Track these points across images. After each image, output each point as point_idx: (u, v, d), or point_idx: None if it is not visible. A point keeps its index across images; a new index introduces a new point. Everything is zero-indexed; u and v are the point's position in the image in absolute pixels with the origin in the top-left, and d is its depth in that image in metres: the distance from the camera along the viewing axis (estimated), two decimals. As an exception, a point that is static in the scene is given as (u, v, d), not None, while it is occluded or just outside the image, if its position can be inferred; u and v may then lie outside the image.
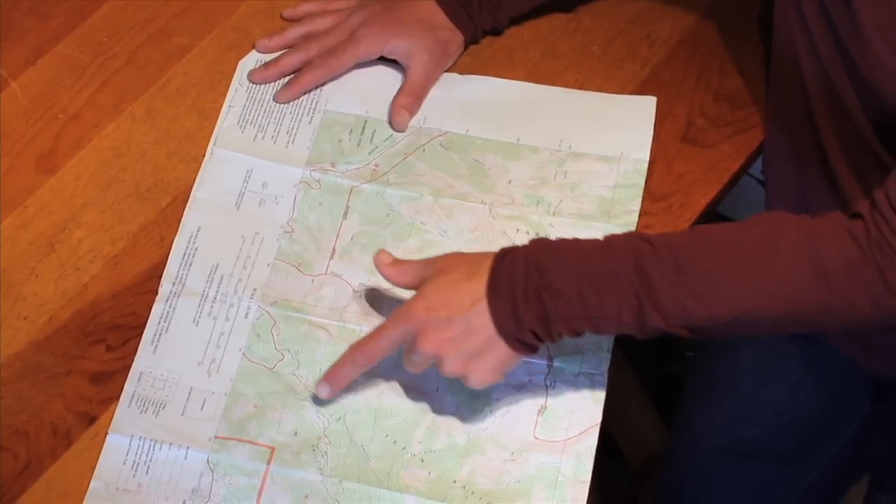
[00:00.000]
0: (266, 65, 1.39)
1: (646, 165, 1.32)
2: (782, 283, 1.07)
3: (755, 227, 1.10)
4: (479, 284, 1.11)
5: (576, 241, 1.13)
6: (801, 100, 1.21)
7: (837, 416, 1.51)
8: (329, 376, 1.19)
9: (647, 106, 1.36)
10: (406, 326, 1.14)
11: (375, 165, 1.32)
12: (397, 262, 1.18)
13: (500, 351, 1.12)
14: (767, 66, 1.34)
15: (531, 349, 1.13)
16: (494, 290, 1.11)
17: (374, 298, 1.25)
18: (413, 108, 1.35)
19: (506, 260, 1.11)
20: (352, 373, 1.18)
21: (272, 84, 1.38)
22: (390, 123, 1.35)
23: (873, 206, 1.06)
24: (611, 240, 1.11)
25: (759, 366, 1.49)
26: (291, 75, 1.38)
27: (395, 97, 1.36)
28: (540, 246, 1.12)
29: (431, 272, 1.14)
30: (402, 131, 1.35)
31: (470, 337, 1.12)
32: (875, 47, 1.08)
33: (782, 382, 1.48)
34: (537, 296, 1.09)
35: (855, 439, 1.51)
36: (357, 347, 1.17)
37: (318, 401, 1.20)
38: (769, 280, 1.07)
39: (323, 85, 1.38)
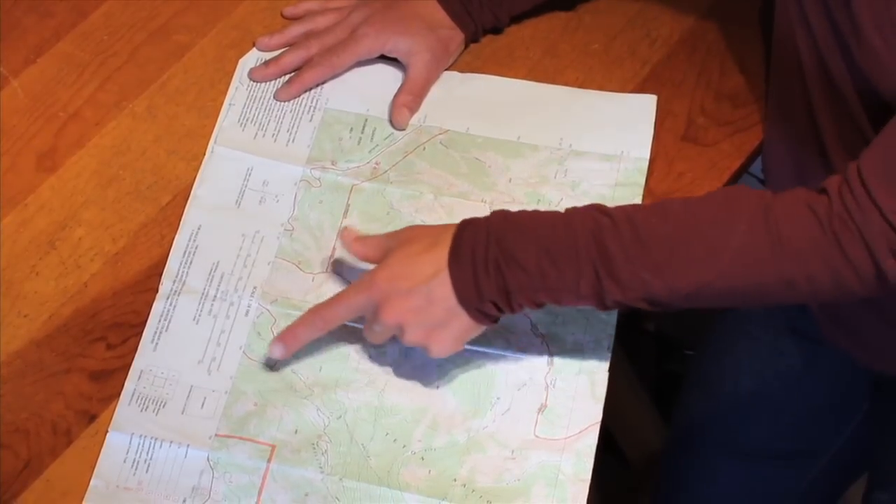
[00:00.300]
0: (266, 63, 1.39)
1: (646, 164, 1.32)
2: (738, 257, 1.07)
3: (714, 200, 1.10)
4: (441, 254, 1.12)
5: (536, 212, 1.13)
6: (801, 95, 1.21)
7: (837, 415, 1.51)
8: (284, 336, 1.19)
9: (647, 104, 1.36)
10: (368, 295, 1.14)
11: (376, 164, 1.32)
12: (362, 238, 1.19)
13: (462, 321, 1.13)
14: (768, 64, 1.34)
15: (492, 320, 1.14)
16: (456, 261, 1.11)
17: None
18: (413, 107, 1.35)
19: (467, 230, 1.12)
20: (307, 335, 1.19)
21: (273, 82, 1.38)
22: (391, 122, 1.35)
23: (843, 179, 1.06)
24: (570, 212, 1.12)
25: (758, 365, 1.49)
26: (292, 73, 1.38)
27: (396, 95, 1.36)
28: (501, 217, 1.13)
29: (395, 244, 1.15)
30: (403, 129, 1.35)
31: (431, 307, 1.12)
32: (873, 44, 1.08)
33: (782, 381, 1.48)
34: (497, 267, 1.10)
35: (854, 438, 1.51)
36: (317, 310, 1.18)
37: (318, 399, 1.20)
38: (725, 253, 1.07)
39: (323, 83, 1.38)
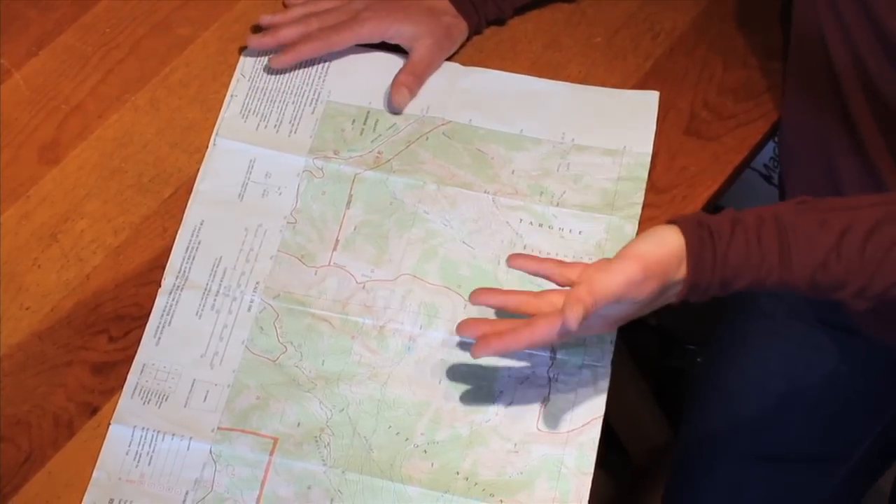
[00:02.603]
0: (264, 32, 1.38)
1: (648, 159, 1.32)
2: None
3: None
4: None
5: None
6: (828, 85, 1.21)
7: (870, 410, 1.47)
8: None
9: (649, 100, 1.36)
10: None
11: (378, 153, 1.32)
12: None
13: None
14: (784, 56, 1.33)
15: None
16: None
17: (377, 290, 1.25)
18: (413, 88, 1.35)
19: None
20: None
21: (275, 77, 1.38)
22: (389, 101, 1.35)
23: None
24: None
25: (786, 363, 1.46)
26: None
27: (397, 75, 1.36)
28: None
29: None
30: (400, 111, 1.34)
31: None
32: None
33: (813, 379, 1.44)
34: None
35: (883, 433, 1.48)
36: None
37: (320, 392, 1.20)
38: None
39: (322, 61, 1.38)
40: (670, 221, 1.11)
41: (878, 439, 1.48)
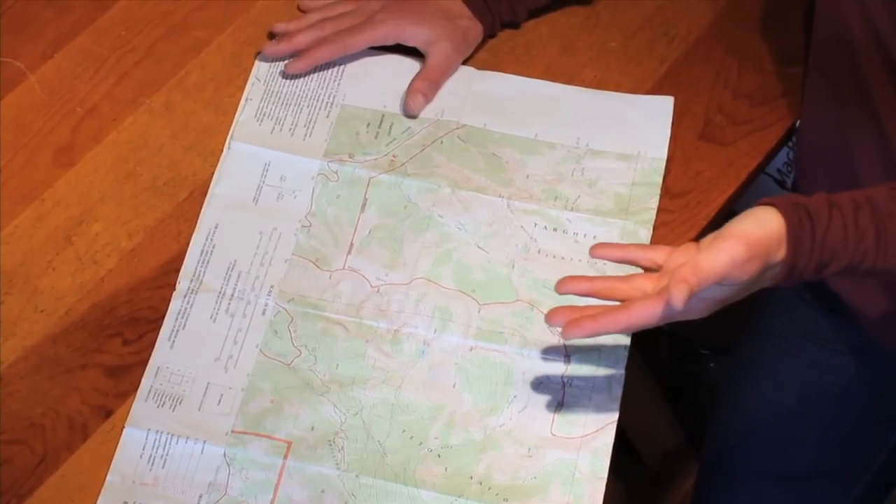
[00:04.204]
0: (279, 39, 1.38)
1: (663, 164, 1.32)
2: None
3: None
4: None
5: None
6: (848, 67, 1.20)
7: (882, 421, 1.46)
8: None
9: (664, 106, 1.36)
10: None
11: (393, 156, 1.32)
12: None
13: None
14: (798, 59, 1.33)
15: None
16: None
17: (392, 293, 1.25)
18: (429, 94, 1.35)
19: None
20: None
21: (289, 78, 1.38)
22: (404, 107, 1.35)
23: None
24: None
25: (801, 383, 1.45)
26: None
27: (412, 81, 1.36)
28: None
29: None
30: (415, 116, 1.35)
31: None
32: None
33: (828, 397, 1.43)
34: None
35: None
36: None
37: (334, 396, 1.20)
38: None
39: (337, 65, 1.38)
40: (763, 202, 1.09)
41: (894, 450, 1.48)
